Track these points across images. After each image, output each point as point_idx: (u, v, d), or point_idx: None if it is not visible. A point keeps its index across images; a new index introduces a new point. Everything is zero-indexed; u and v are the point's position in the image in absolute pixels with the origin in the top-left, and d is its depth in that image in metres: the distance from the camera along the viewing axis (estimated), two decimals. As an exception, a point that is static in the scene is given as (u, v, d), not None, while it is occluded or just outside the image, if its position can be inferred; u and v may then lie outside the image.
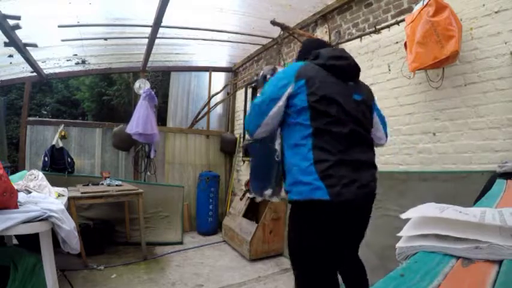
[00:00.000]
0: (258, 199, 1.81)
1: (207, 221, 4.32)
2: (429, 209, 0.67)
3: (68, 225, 1.82)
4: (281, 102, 1.24)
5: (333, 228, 1.21)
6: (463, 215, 0.60)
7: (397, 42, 2.39)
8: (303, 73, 1.24)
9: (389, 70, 2.46)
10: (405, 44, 2.07)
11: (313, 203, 1.16)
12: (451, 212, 0.62)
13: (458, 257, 0.53)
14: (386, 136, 1.56)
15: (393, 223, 2.15)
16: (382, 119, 1.52)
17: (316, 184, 1.15)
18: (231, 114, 5.27)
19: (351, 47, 2.83)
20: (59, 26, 2.83)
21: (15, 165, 4.68)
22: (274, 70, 1.82)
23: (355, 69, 1.38)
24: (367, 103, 1.38)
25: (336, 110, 1.21)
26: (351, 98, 1.28)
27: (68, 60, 3.89)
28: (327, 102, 1.21)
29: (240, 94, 4.97)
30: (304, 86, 1.22)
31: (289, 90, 1.23)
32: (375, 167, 1.36)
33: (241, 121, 4.74)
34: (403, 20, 2.19)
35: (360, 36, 2.66)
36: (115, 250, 3.36)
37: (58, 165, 3.68)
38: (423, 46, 1.85)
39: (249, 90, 4.57)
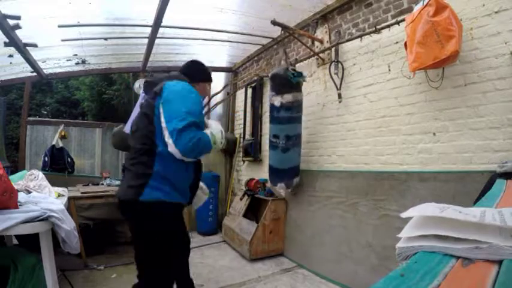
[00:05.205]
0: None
1: (207, 221, 4.32)
2: (429, 208, 0.67)
3: (68, 225, 1.83)
4: None
5: None
6: (463, 214, 0.59)
7: (397, 42, 2.39)
8: None
9: (390, 70, 2.46)
10: (405, 44, 2.07)
11: None
12: (451, 211, 0.62)
13: (458, 257, 0.52)
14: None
15: (393, 223, 2.16)
16: None
17: None
18: (231, 114, 5.26)
19: (351, 47, 2.83)
20: (59, 26, 2.83)
21: (15, 165, 4.68)
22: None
23: None
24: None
25: None
26: None
27: (68, 60, 3.89)
28: None
29: (240, 94, 4.96)
30: None
31: None
32: None
33: (241, 121, 4.74)
34: (403, 20, 2.19)
35: (360, 36, 2.66)
36: (115, 250, 3.36)
37: (58, 165, 3.69)
38: (423, 46, 1.85)
39: (249, 90, 4.57)
